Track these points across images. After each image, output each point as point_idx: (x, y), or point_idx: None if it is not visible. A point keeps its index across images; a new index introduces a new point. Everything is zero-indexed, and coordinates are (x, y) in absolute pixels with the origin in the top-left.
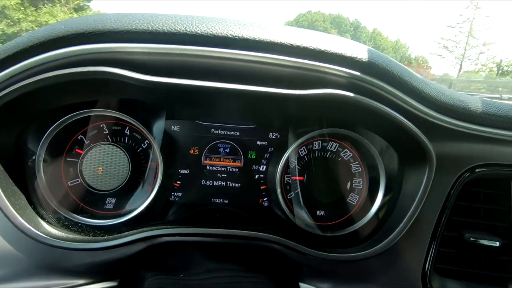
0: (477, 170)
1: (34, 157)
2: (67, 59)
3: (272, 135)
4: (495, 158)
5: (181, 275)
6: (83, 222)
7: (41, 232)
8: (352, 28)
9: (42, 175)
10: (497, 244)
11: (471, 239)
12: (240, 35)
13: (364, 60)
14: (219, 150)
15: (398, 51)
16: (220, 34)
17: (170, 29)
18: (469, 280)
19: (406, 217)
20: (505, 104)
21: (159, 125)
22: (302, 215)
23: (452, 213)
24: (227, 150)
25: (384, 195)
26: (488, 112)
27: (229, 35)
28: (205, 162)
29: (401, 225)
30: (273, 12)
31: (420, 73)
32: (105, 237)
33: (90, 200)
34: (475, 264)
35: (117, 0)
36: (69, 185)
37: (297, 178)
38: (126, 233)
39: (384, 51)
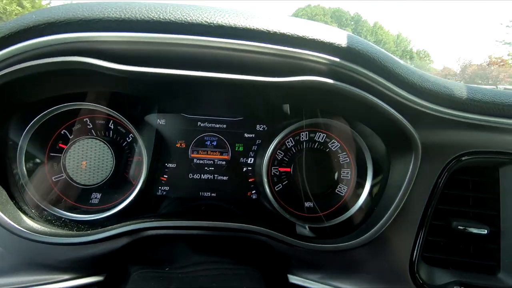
0: (464, 158)
1: (15, 151)
2: (39, 49)
3: (260, 127)
4: (482, 146)
5: (167, 268)
6: (66, 217)
7: (23, 228)
8: (352, 22)
9: (24, 169)
10: (485, 232)
11: (459, 227)
12: (215, 22)
13: (344, 46)
14: (206, 143)
15: (399, 45)
16: (195, 21)
17: (143, 17)
18: (457, 268)
19: (392, 206)
20: (490, 90)
21: (144, 119)
22: (291, 208)
23: (439, 201)
24: (214, 143)
25: (372, 185)
26: (473, 98)
27: (204, 22)
28: (192, 155)
29: (387, 214)
30: (271, 7)
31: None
32: (89, 231)
33: (74, 194)
34: (463, 252)
35: None
36: (53, 180)
37: (284, 169)
38: (110, 227)
39: (385, 45)
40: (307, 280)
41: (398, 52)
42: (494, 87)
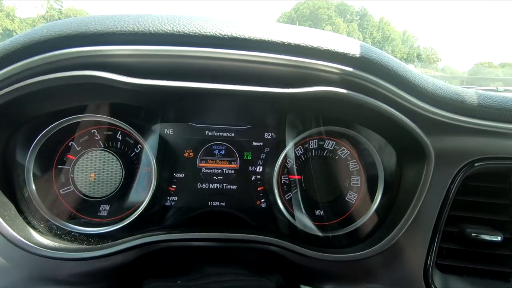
0: (476, 164)
1: (23, 165)
2: (51, 64)
3: (268, 135)
4: (494, 152)
5: (179, 281)
6: (76, 231)
7: (32, 243)
8: (358, 17)
9: (32, 183)
10: (499, 238)
11: (473, 234)
12: (229, 34)
13: (357, 55)
14: (214, 152)
15: (406, 42)
16: (208, 33)
17: (157, 30)
18: (471, 275)
19: (406, 214)
20: (502, 97)
21: (152, 129)
22: (301, 216)
23: (452, 208)
24: (223, 152)
25: (383, 193)
26: (485, 105)
27: (218, 34)
28: (201, 164)
29: (401, 222)
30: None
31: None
32: (99, 245)
33: (83, 207)
34: (476, 259)
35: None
36: (61, 193)
37: (295, 177)
38: (120, 240)
39: (393, 42)
40: None
41: (405, 49)
42: (495, 88)
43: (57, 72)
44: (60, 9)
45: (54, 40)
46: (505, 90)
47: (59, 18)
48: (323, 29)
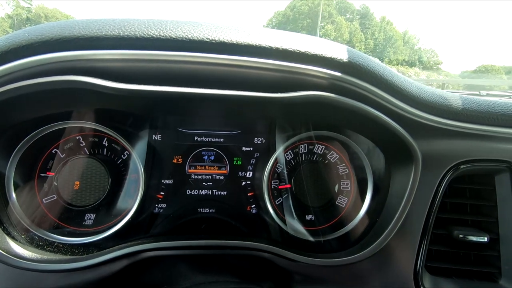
0: (461, 166)
1: (3, 174)
2: (33, 68)
3: (258, 140)
4: (478, 154)
5: None
6: (59, 241)
7: (11, 255)
8: (358, 16)
9: (13, 192)
10: (485, 239)
11: (460, 236)
12: (216, 39)
13: (344, 60)
14: (204, 158)
15: (407, 43)
16: (196, 38)
17: (143, 34)
18: (460, 277)
19: (395, 217)
20: (485, 100)
21: (139, 135)
22: (292, 221)
23: (440, 210)
24: (212, 158)
25: (373, 196)
26: (469, 109)
27: (205, 39)
28: (190, 171)
29: (390, 225)
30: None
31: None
32: (84, 255)
33: (67, 217)
34: (464, 260)
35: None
36: (44, 202)
37: (285, 185)
38: (107, 250)
39: (395, 43)
40: None
41: (406, 51)
42: (477, 92)
43: (39, 78)
44: (29, 7)
45: (36, 45)
46: (488, 95)
47: (28, 18)
48: (323, 28)
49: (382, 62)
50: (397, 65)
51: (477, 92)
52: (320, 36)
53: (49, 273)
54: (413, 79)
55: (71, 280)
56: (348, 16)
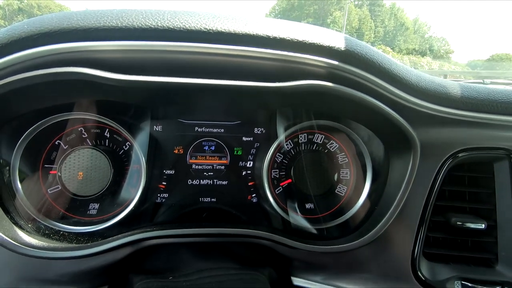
0: (460, 154)
1: (8, 165)
2: (33, 60)
3: (258, 130)
4: (478, 142)
5: (170, 277)
6: (65, 230)
7: (19, 243)
8: (368, 2)
9: (18, 183)
10: (483, 226)
11: (458, 223)
12: (214, 29)
13: (342, 49)
14: (204, 148)
15: (418, 31)
16: (193, 28)
17: (140, 25)
18: (457, 263)
19: (394, 204)
20: (485, 88)
21: (140, 126)
22: (292, 210)
23: (438, 198)
24: (213, 148)
25: (372, 185)
26: (468, 96)
27: (203, 28)
28: (191, 161)
29: (389, 213)
30: None
31: None
32: (89, 243)
33: (72, 206)
34: (462, 247)
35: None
36: (49, 192)
37: (286, 180)
38: (110, 238)
39: (406, 31)
40: (311, 282)
41: (417, 39)
42: (481, 81)
43: (39, 69)
44: None
45: (35, 37)
46: (492, 83)
47: (19, 8)
48: (331, 15)
49: (393, 51)
50: (408, 54)
51: (481, 81)
52: (328, 24)
53: (55, 260)
54: (425, 70)
55: (77, 267)
56: (356, 2)
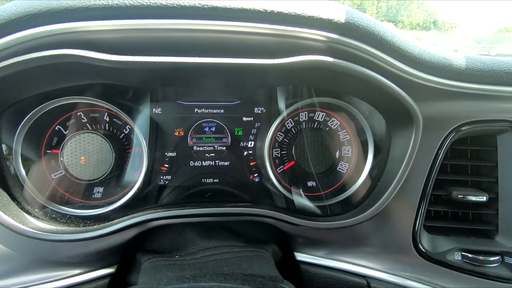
0: (463, 128)
1: (11, 151)
2: (23, 44)
3: (258, 109)
4: (481, 115)
5: (177, 256)
6: (71, 213)
7: (28, 227)
8: None
9: (22, 169)
10: (484, 199)
11: (459, 196)
12: (209, 4)
13: (342, 21)
14: (205, 129)
15: (421, 6)
16: (187, 4)
17: (132, 3)
18: (458, 235)
19: (395, 180)
20: (491, 59)
21: (139, 109)
22: (294, 188)
23: (440, 172)
24: (213, 129)
25: (373, 160)
26: (473, 68)
27: (197, 4)
28: (192, 142)
29: (390, 188)
30: None
31: None
32: (95, 226)
33: (76, 190)
34: (463, 219)
35: None
36: (53, 177)
37: (289, 163)
38: (116, 220)
39: (410, 6)
40: (313, 257)
41: (421, 14)
42: (487, 53)
43: (31, 53)
44: None
45: (25, 19)
46: (498, 55)
47: None
48: None
49: (395, 26)
50: (412, 29)
51: (487, 53)
52: None
53: (63, 242)
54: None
55: (86, 249)
56: None
